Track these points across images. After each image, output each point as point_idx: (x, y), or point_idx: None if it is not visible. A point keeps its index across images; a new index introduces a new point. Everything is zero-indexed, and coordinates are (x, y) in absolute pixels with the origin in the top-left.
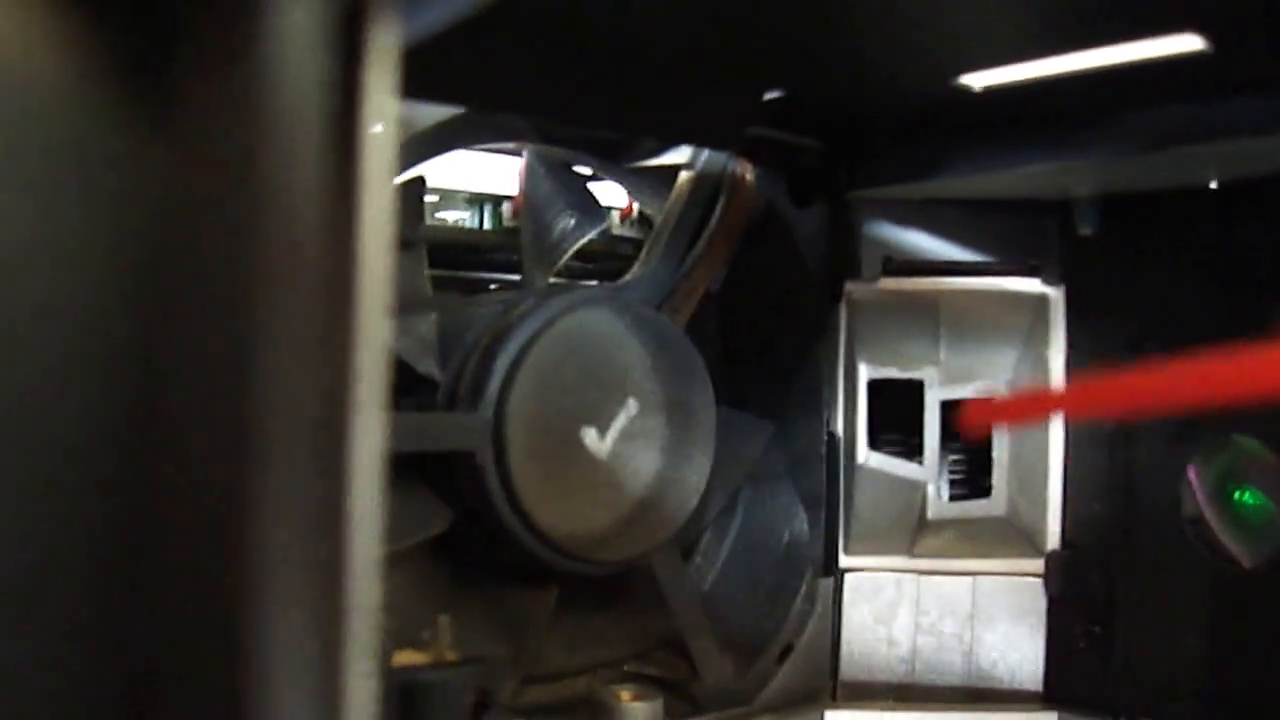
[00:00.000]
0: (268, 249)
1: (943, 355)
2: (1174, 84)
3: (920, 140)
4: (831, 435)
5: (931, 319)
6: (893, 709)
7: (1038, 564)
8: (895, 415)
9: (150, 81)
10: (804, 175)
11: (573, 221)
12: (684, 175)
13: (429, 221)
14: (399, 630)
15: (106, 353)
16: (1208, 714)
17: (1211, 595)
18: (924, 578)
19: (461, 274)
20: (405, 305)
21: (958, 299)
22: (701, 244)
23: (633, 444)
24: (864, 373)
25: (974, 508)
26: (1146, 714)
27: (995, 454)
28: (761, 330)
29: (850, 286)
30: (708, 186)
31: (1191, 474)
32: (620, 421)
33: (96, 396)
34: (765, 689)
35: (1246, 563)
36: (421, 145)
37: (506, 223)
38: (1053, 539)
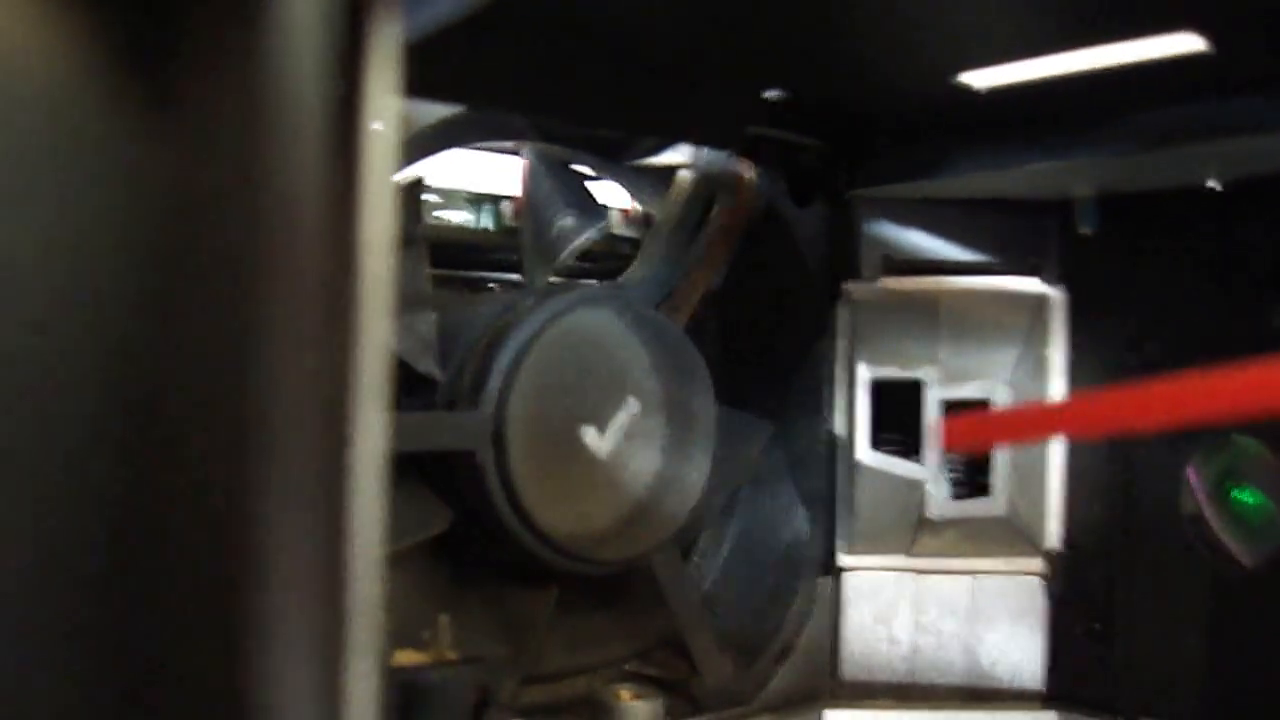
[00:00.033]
0: (269, 247)
1: (942, 355)
2: (1174, 84)
3: (920, 140)
4: (831, 435)
5: (931, 318)
6: (893, 708)
7: (1037, 563)
8: (895, 415)
9: (152, 80)
10: (804, 175)
11: (573, 221)
12: (684, 174)
13: (429, 221)
14: (399, 630)
15: (109, 352)
16: (1207, 712)
17: (1211, 594)
18: (924, 577)
19: (462, 273)
20: (406, 304)
21: (958, 298)
22: (701, 243)
23: (633, 443)
24: (864, 372)
25: (974, 507)
26: (1146, 712)
27: (995, 453)
28: (761, 330)
29: (850, 286)
30: (708, 186)
31: (1191, 473)
32: (620, 421)
33: (99, 396)
34: (765, 688)
35: (1246, 561)
36: (422, 144)
37: (507, 222)
38: (1052, 538)
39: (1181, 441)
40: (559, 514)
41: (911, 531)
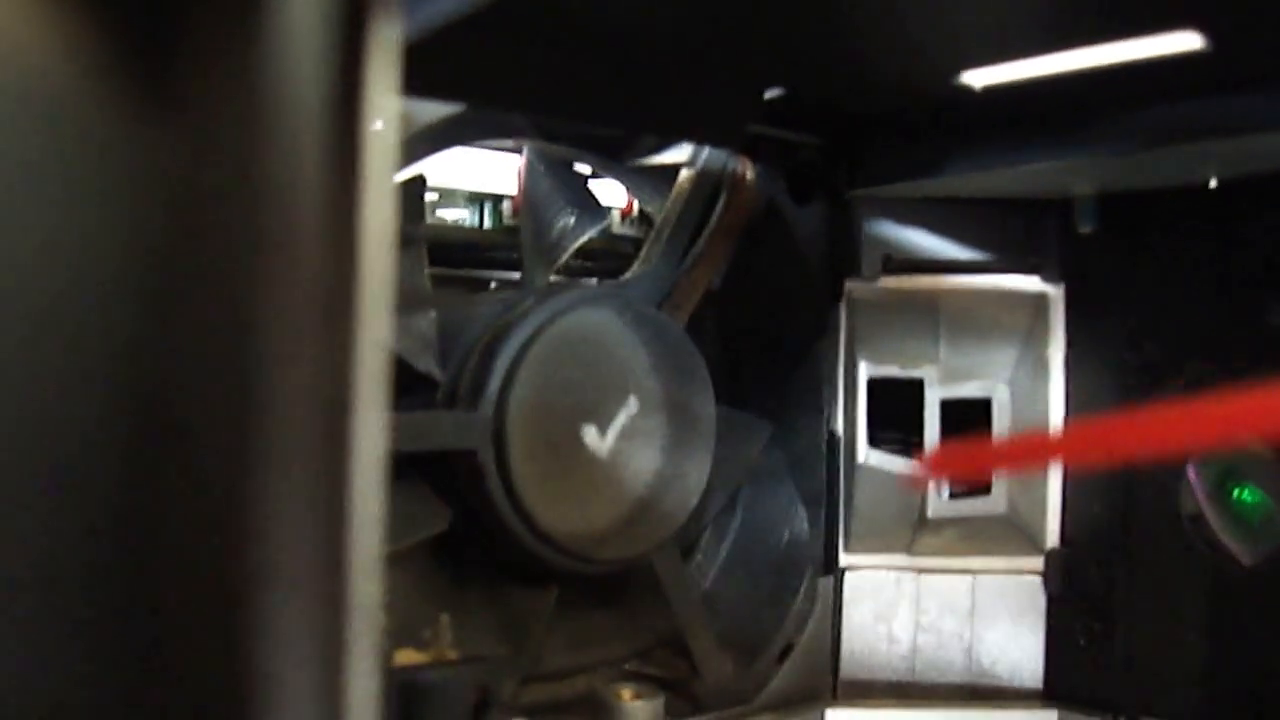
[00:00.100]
0: (268, 246)
1: (942, 353)
2: (1173, 82)
3: (920, 138)
4: (831, 434)
5: (931, 317)
6: (893, 707)
7: (1037, 562)
8: (895, 414)
9: (152, 79)
10: (804, 173)
11: (573, 220)
12: (684, 173)
13: (429, 219)
14: (400, 629)
15: (110, 352)
16: (1207, 710)
17: (1211, 593)
18: (924, 576)
19: (462, 272)
20: (406, 303)
21: (957, 297)
22: (702, 242)
23: (633, 443)
24: (864, 371)
25: (974, 506)
26: (1146, 711)
27: (1006, 438)
28: (762, 329)
29: (850, 285)
30: (708, 185)
31: (1191, 472)
32: (620, 420)
33: (98, 396)
34: (766, 688)
35: (1246, 560)
36: (422, 142)
37: (507, 221)
38: (1052, 537)
39: None
40: (559, 513)
41: (912, 530)
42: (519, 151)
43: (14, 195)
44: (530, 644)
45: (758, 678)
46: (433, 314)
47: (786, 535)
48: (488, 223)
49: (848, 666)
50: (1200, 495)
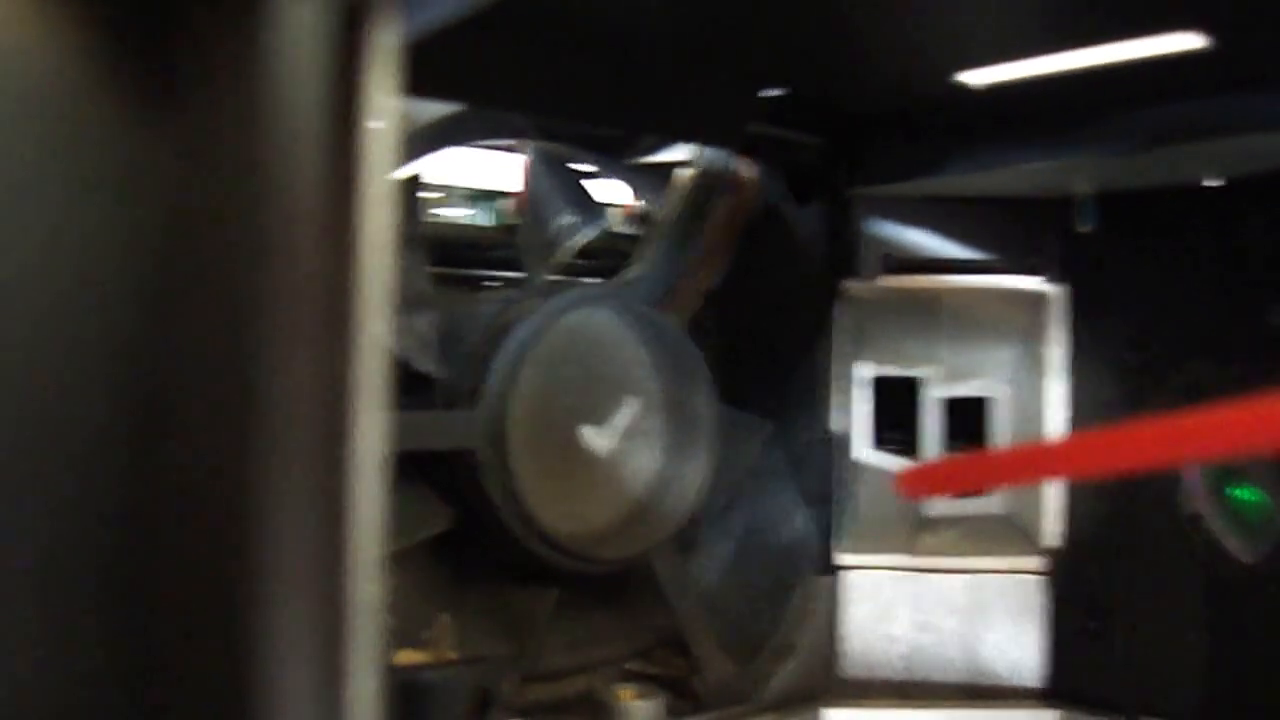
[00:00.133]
0: (269, 246)
1: (942, 353)
2: (1173, 82)
3: (920, 138)
4: (831, 433)
5: (931, 317)
6: (893, 706)
7: (1037, 561)
8: (895, 413)
9: (154, 81)
10: (804, 173)
11: (573, 219)
12: (684, 172)
13: (429, 218)
14: (400, 629)
15: (113, 352)
16: (1206, 708)
17: (1210, 591)
18: (924, 575)
19: (462, 271)
20: (406, 303)
21: (957, 297)
22: (701, 242)
23: (633, 442)
24: (863, 370)
25: (973, 505)
26: (1145, 709)
27: (989, 452)
28: (761, 328)
29: (850, 284)
30: (708, 184)
31: (1190, 471)
32: (620, 420)
33: (99, 395)
34: (765, 687)
35: (1245, 559)
36: (422, 141)
37: (507, 220)
38: (1052, 536)
39: None
40: (559, 513)
41: (911, 530)
42: (519, 150)
43: (14, 195)
44: (530, 644)
45: (757, 677)
46: (433, 313)
47: (786, 535)
48: (488, 222)
49: (847, 665)
50: (1199, 494)
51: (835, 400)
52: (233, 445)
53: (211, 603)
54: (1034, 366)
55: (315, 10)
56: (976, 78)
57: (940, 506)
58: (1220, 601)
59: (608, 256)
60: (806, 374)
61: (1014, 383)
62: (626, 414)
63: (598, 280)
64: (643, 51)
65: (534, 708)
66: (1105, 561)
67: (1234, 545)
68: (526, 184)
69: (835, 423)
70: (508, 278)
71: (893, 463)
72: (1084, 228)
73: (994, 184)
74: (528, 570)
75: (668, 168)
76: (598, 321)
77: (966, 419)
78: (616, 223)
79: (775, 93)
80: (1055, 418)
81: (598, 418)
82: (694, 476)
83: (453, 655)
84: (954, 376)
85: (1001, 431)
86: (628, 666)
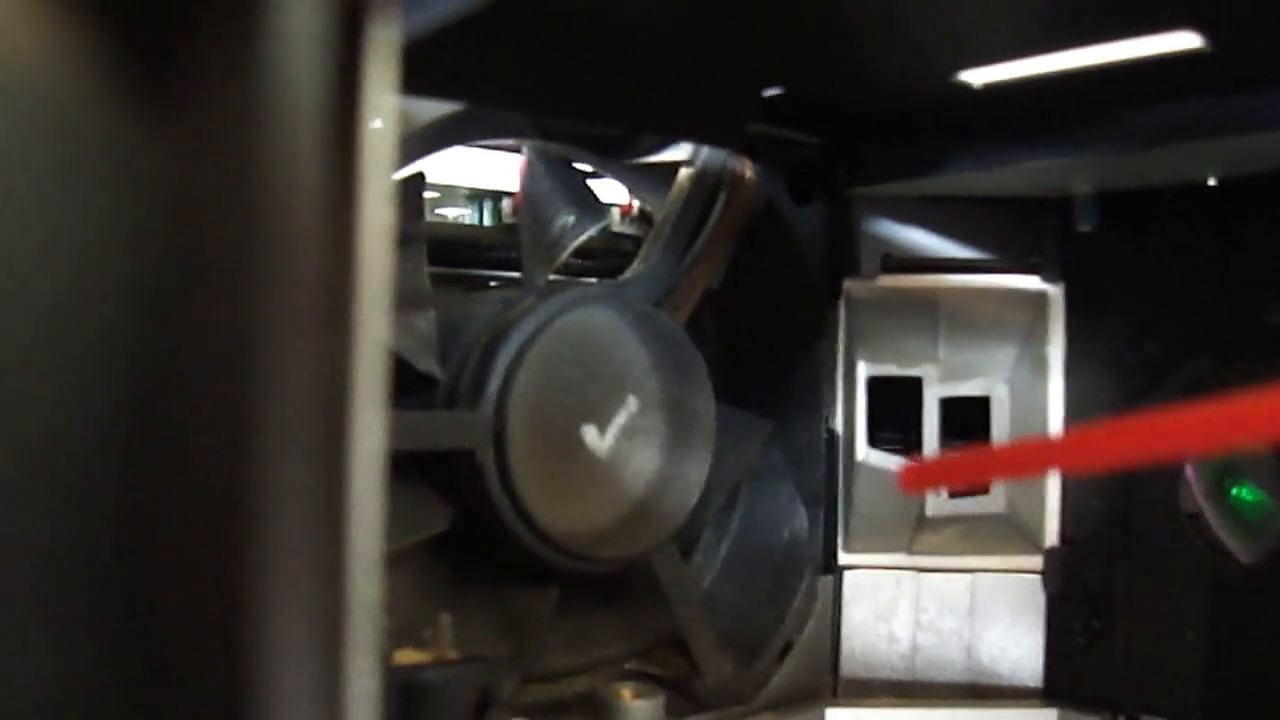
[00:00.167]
0: (267, 245)
1: (942, 352)
2: (1173, 81)
3: (920, 137)
4: (831, 432)
5: (931, 316)
6: (893, 706)
7: (1037, 560)
8: (894, 412)
9: (151, 79)
10: (804, 172)
11: (572, 218)
12: (684, 172)
13: (429, 218)
14: (400, 629)
15: (108, 352)
16: (1206, 708)
17: (1209, 590)
18: (924, 575)
19: (461, 271)
20: (405, 302)
21: (957, 296)
22: (701, 241)
23: (633, 442)
24: (863, 370)
25: (973, 505)
26: (1145, 708)
27: (990, 448)
28: (761, 328)
29: (849, 284)
30: (708, 184)
31: (1190, 470)
32: (620, 419)
33: (98, 396)
34: (766, 687)
35: (1244, 558)
36: (421, 141)
37: (506, 219)
38: (1051, 536)
39: None
40: (559, 513)
41: (911, 529)
42: (519, 150)
43: (14, 195)
44: (530, 643)
45: (758, 677)
46: (432, 313)
47: (786, 534)
48: (488, 221)
49: (848, 665)
50: (1199, 493)
51: (835, 399)
52: (231, 445)
53: (210, 602)
54: (1033, 366)
55: (314, 10)
56: (976, 77)
57: (940, 506)
58: (1220, 601)
59: (607, 256)
60: (806, 373)
61: (1013, 382)
62: (626, 413)
63: (597, 280)
64: (643, 51)
65: (534, 708)
66: (1105, 561)
67: (1233, 545)
68: (526, 184)
69: (835, 422)
70: (508, 277)
71: (893, 462)
72: (1084, 227)
73: (994, 183)
74: (528, 570)
75: (667, 167)
76: (597, 321)
77: (965, 418)
78: (616, 222)
79: (775, 92)
80: (1054, 417)
81: (598, 417)
82: (694, 476)
83: (453, 655)
84: (953, 375)
85: (1001, 431)
86: (628, 666)
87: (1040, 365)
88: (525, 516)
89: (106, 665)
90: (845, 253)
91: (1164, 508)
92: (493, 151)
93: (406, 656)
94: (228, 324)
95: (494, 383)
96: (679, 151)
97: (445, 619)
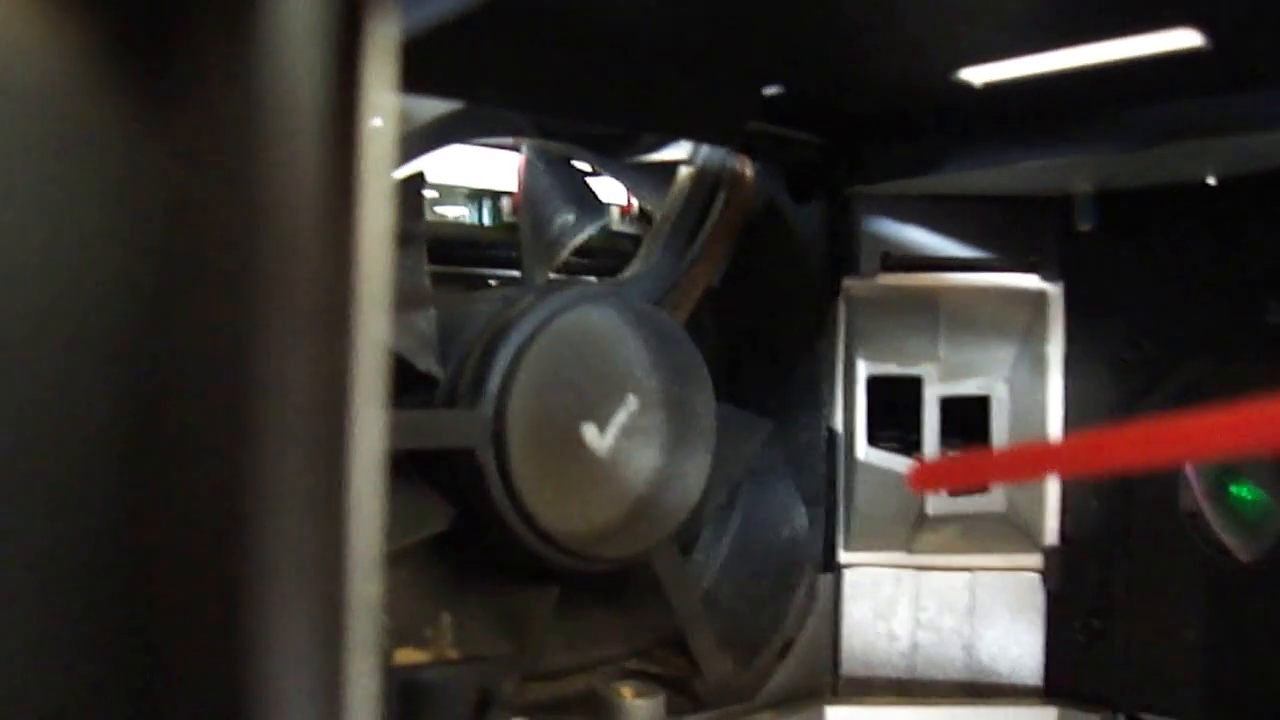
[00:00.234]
0: (266, 245)
1: (941, 351)
2: (1172, 80)
3: (919, 136)
4: (830, 431)
5: (930, 315)
6: (893, 704)
7: (1036, 559)
8: (894, 411)
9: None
10: (803, 171)
11: (572, 217)
12: (684, 171)
13: (428, 217)
14: (401, 628)
15: (108, 352)
16: (1206, 707)
17: (1209, 589)
18: (923, 573)
19: (461, 270)
20: (405, 301)
21: (956, 295)
22: (701, 240)
23: (633, 440)
24: (863, 369)
25: (973, 503)
26: (1145, 707)
27: (998, 449)
28: (761, 326)
29: (849, 282)
30: (707, 182)
31: (1189, 469)
32: (620, 418)
33: (98, 395)
34: (766, 685)
35: (1244, 556)
36: (421, 140)
37: (506, 218)
38: (1051, 534)
39: None
40: (559, 512)
41: (911, 528)
42: (518, 148)
43: (14, 196)
44: (531, 642)
45: (758, 675)
46: (432, 312)
47: (786, 533)
48: (487, 220)
49: (848, 664)
50: (1198, 491)
51: (835, 398)
52: (231, 444)
53: (210, 601)
54: (1033, 364)
55: (313, 9)
56: (976, 76)
57: (940, 504)
58: (1219, 599)
59: (607, 255)
60: (806, 372)
61: (1013, 381)
62: (626, 412)
63: (597, 279)
64: (642, 49)
65: (534, 706)
66: (1105, 559)
67: (1233, 543)
68: (525, 182)
69: (835, 421)
70: (507, 276)
71: (893, 461)
72: (1083, 226)
73: (993, 182)
74: (528, 569)
75: (667, 166)
76: (597, 320)
77: (965, 417)
78: (616, 221)
79: (775, 91)
80: (1054, 416)
81: (598, 416)
82: (694, 475)
83: (453, 654)
84: (953, 374)
85: (1000, 430)
86: (628, 665)
87: (1040, 364)
88: (525, 515)
89: (107, 665)
90: (845, 251)
91: (1164, 507)
92: (492, 150)
93: (407, 656)
94: (228, 324)
95: (494, 381)
96: (678, 150)
97: (445, 618)
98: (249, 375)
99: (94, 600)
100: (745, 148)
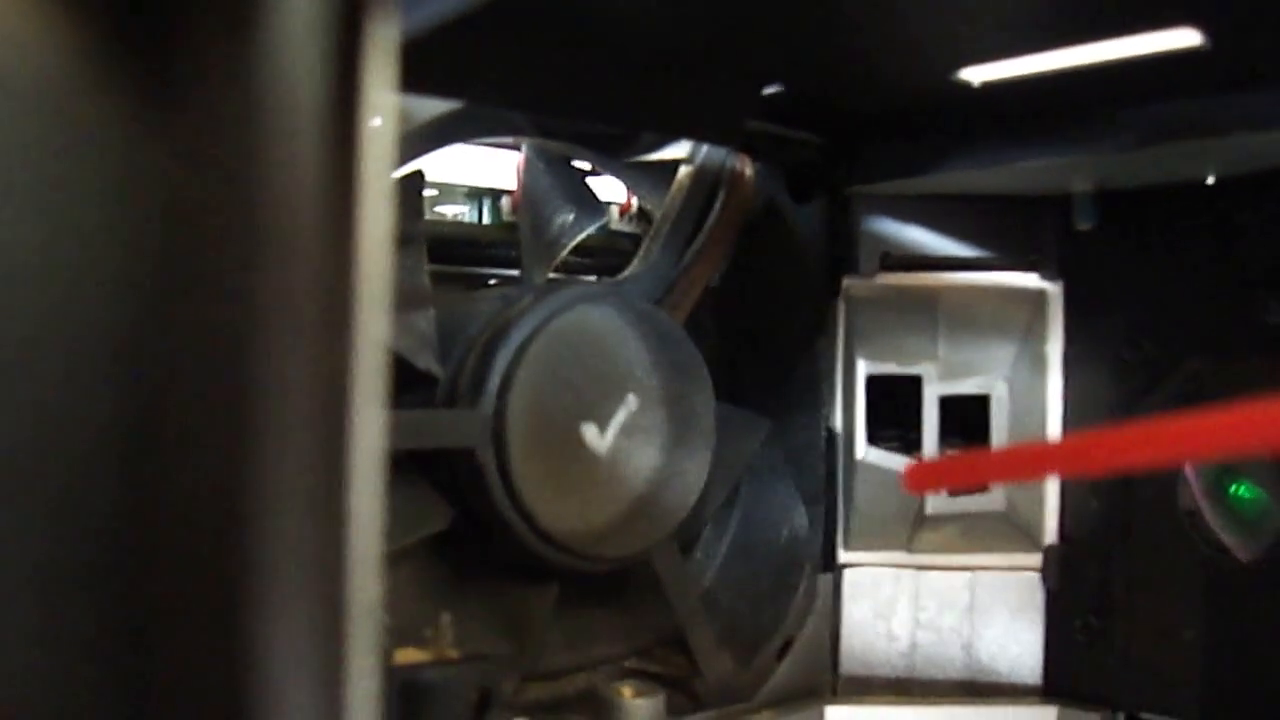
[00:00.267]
0: (266, 245)
1: (941, 350)
2: (1172, 79)
3: (919, 135)
4: (830, 430)
5: (930, 314)
6: (893, 703)
7: (1036, 558)
8: (894, 411)
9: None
10: (803, 170)
11: (571, 216)
12: (683, 170)
13: (428, 216)
14: (401, 628)
15: (108, 352)
16: (1205, 706)
17: (1208, 588)
18: (923, 573)
19: (461, 269)
20: (405, 301)
21: (956, 294)
22: (701, 239)
23: (632, 440)
24: (862, 368)
25: (972, 503)
26: (1144, 706)
27: (994, 450)
28: (760, 326)
29: (848, 282)
30: (707, 182)
31: (1188, 468)
32: (620, 417)
33: (97, 395)
34: (766, 684)
35: (1243, 556)
36: (420, 139)
37: (506, 217)
38: (1050, 533)
39: None
40: (559, 511)
41: (910, 527)
42: (518, 148)
43: (14, 196)
44: (531, 642)
45: (757, 675)
46: (432, 311)
47: (786, 532)
48: (487, 219)
49: (847, 663)
50: (1197, 490)
51: (834, 397)
52: (231, 444)
53: (210, 602)
54: (1032, 364)
55: (312, 8)
56: (975, 75)
57: (940, 504)
58: (1219, 599)
59: (606, 254)
60: (805, 371)
61: (1012, 380)
62: (626, 412)
63: (596, 278)
64: (642, 49)
65: (534, 706)
66: (1104, 559)
67: (1232, 542)
68: (525, 181)
69: (834, 420)
70: (507, 275)
71: (893, 460)
72: (1083, 225)
73: (993, 182)
74: (528, 568)
75: (666, 165)
76: (597, 319)
77: (965, 416)
78: (615, 220)
79: (775, 90)
80: (1053, 415)
81: (597, 415)
82: (693, 474)
83: (453, 654)
84: (952, 374)
85: (1000, 429)
86: (628, 664)
87: (1039, 363)
88: (525, 515)
89: (106, 666)
90: (844, 251)
91: (1163, 505)
92: (492, 149)
93: (407, 656)
94: (227, 324)
95: (494, 381)
96: (678, 149)
97: (445, 618)
98: (249, 375)
99: (94, 600)
100: (745, 147)
